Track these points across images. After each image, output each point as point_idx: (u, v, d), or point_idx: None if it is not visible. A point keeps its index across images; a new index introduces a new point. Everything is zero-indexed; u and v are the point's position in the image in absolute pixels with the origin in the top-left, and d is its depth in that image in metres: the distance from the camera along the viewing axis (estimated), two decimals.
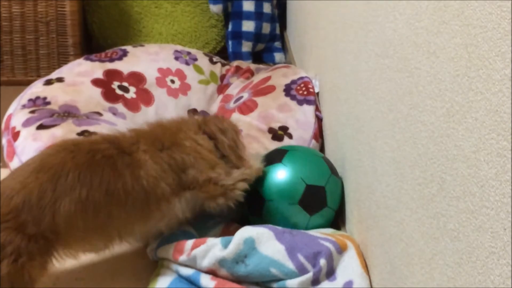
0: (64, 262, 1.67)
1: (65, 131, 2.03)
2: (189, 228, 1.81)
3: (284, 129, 2.16)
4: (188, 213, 1.74)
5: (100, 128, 2.07)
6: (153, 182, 1.62)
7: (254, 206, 1.85)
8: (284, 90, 2.33)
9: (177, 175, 1.67)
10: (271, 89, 2.35)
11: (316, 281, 1.60)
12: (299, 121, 2.20)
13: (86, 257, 1.82)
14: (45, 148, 1.72)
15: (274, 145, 2.08)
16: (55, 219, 1.50)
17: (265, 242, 1.63)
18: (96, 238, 1.62)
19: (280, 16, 3.45)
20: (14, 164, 1.98)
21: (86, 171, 1.54)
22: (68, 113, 2.19)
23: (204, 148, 1.75)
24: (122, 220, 1.61)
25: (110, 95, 2.39)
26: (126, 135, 1.70)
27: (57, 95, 2.28)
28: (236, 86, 2.62)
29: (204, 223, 1.88)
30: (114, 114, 2.29)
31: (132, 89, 2.46)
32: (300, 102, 2.26)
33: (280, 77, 2.43)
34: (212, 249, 1.63)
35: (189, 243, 1.68)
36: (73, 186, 1.52)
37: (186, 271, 1.65)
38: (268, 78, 2.45)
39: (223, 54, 3.28)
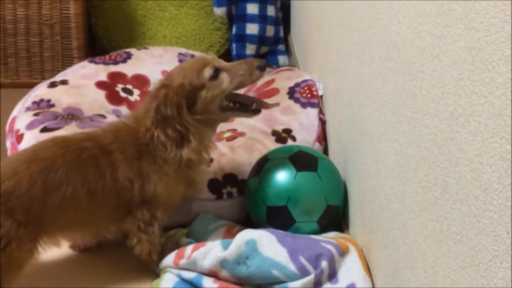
0: (69, 264, 1.70)
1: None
2: (189, 239, 1.82)
3: (288, 131, 2.16)
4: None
5: None
6: (128, 184, 1.68)
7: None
8: (288, 93, 2.33)
9: (142, 185, 1.70)
10: (275, 91, 2.35)
11: (318, 283, 1.60)
12: (303, 123, 2.20)
13: (91, 260, 1.83)
14: (37, 142, 1.79)
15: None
16: (42, 212, 1.58)
17: (267, 244, 1.63)
18: (77, 230, 1.72)
19: (284, 19, 3.46)
20: None
21: (73, 170, 1.62)
22: (72, 115, 2.19)
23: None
24: (99, 218, 1.71)
25: (114, 98, 2.40)
26: (106, 131, 1.74)
27: (61, 97, 2.29)
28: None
29: (206, 226, 1.88)
30: (118, 116, 2.29)
31: (136, 92, 2.47)
32: (303, 105, 2.26)
33: (284, 80, 2.43)
34: (211, 250, 1.64)
35: (189, 247, 1.68)
36: (60, 183, 1.60)
37: (188, 275, 1.65)
38: (272, 81, 2.45)
39: (227, 56, 3.29)
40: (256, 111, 1.82)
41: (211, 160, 2.02)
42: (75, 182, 1.61)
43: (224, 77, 1.72)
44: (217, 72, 1.71)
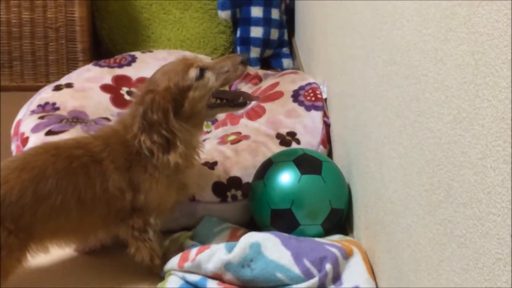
0: (73, 267, 1.73)
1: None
2: (194, 242, 1.82)
3: (292, 134, 2.17)
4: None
5: None
6: (119, 194, 1.67)
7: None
8: (292, 96, 2.33)
9: (133, 195, 1.70)
10: (279, 95, 2.36)
11: (322, 286, 1.60)
12: (307, 126, 2.20)
13: (95, 262, 1.84)
14: (27, 149, 1.79)
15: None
16: (32, 220, 1.57)
17: (271, 247, 1.64)
18: (66, 237, 1.71)
19: (288, 22, 3.46)
20: None
21: (63, 179, 1.61)
22: (76, 118, 2.20)
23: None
24: (88, 226, 1.71)
25: (118, 101, 2.41)
26: (96, 138, 1.73)
27: (66, 100, 2.30)
28: None
29: (210, 229, 1.89)
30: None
31: None
32: (308, 108, 2.27)
33: (288, 83, 2.44)
34: (216, 253, 1.64)
35: (194, 250, 1.69)
36: (50, 192, 1.59)
37: (193, 278, 1.66)
38: (276, 84, 2.45)
39: None
40: (243, 104, 1.83)
41: (215, 163, 2.02)
42: (65, 192, 1.61)
43: (210, 75, 1.72)
44: (202, 71, 1.71)
